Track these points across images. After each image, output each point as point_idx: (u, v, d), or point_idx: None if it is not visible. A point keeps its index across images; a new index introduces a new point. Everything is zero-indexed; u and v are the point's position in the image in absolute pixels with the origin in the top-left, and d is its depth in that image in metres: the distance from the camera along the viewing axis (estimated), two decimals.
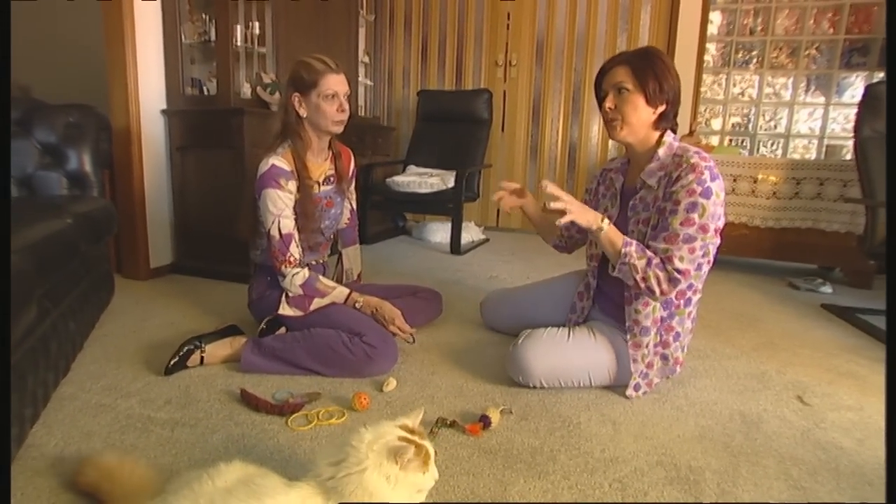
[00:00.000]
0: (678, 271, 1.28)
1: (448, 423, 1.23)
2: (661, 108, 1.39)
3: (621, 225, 1.45)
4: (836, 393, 1.53)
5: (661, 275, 1.29)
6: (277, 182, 1.58)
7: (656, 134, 1.42)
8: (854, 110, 2.27)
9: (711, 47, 3.76)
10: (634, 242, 1.32)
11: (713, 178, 1.28)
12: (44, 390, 1.24)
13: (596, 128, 3.96)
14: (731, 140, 3.82)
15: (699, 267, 1.35)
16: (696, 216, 1.27)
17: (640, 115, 1.39)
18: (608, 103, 1.42)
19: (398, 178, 3.42)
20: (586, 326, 1.54)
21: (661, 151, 1.39)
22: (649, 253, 1.31)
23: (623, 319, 1.47)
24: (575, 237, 1.78)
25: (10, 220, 1.02)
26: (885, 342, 1.29)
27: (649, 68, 1.37)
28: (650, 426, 1.31)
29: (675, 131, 1.45)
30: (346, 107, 1.64)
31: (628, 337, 1.43)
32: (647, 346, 1.42)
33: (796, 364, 1.74)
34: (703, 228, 1.28)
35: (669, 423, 1.32)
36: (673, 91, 1.38)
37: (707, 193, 1.27)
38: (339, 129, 1.66)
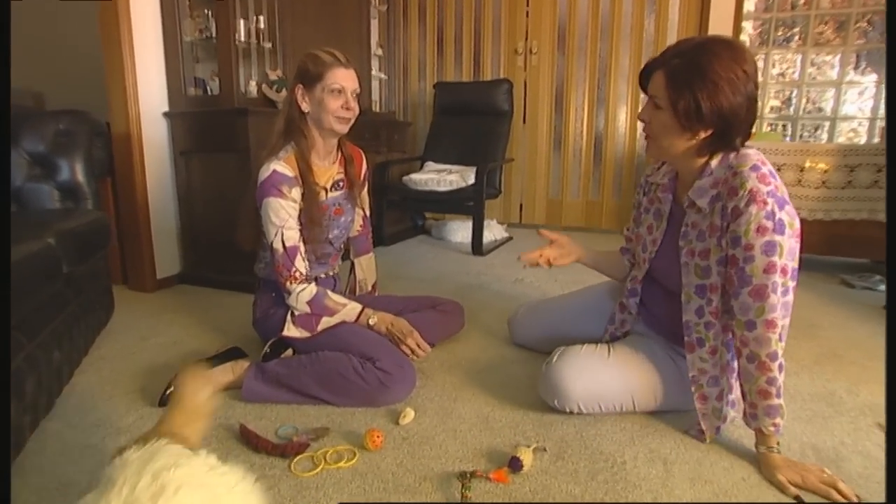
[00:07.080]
0: (781, 338, 1.07)
1: (469, 474, 1.06)
2: (705, 134, 1.10)
3: (669, 248, 1.26)
4: None
5: (780, 359, 1.07)
6: (279, 190, 1.43)
7: (702, 159, 1.15)
8: None
9: (748, 25, 3.49)
10: (769, 404, 1.08)
11: (781, 206, 1.03)
12: (17, 436, 1.11)
13: (623, 116, 3.72)
14: (771, 125, 3.56)
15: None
16: (776, 258, 1.03)
17: (673, 140, 1.13)
18: (641, 114, 1.17)
19: (415, 176, 3.26)
20: (628, 343, 1.36)
21: (715, 163, 1.13)
22: (763, 380, 1.07)
23: (670, 336, 1.29)
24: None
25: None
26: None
27: (691, 80, 1.04)
28: (707, 466, 1.12)
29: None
30: (353, 105, 1.47)
31: (693, 389, 1.21)
32: (715, 398, 1.20)
33: (868, 381, 1.53)
34: (784, 271, 1.04)
35: (730, 463, 1.13)
36: (722, 113, 1.05)
37: (780, 228, 1.03)
38: (342, 129, 1.49)
